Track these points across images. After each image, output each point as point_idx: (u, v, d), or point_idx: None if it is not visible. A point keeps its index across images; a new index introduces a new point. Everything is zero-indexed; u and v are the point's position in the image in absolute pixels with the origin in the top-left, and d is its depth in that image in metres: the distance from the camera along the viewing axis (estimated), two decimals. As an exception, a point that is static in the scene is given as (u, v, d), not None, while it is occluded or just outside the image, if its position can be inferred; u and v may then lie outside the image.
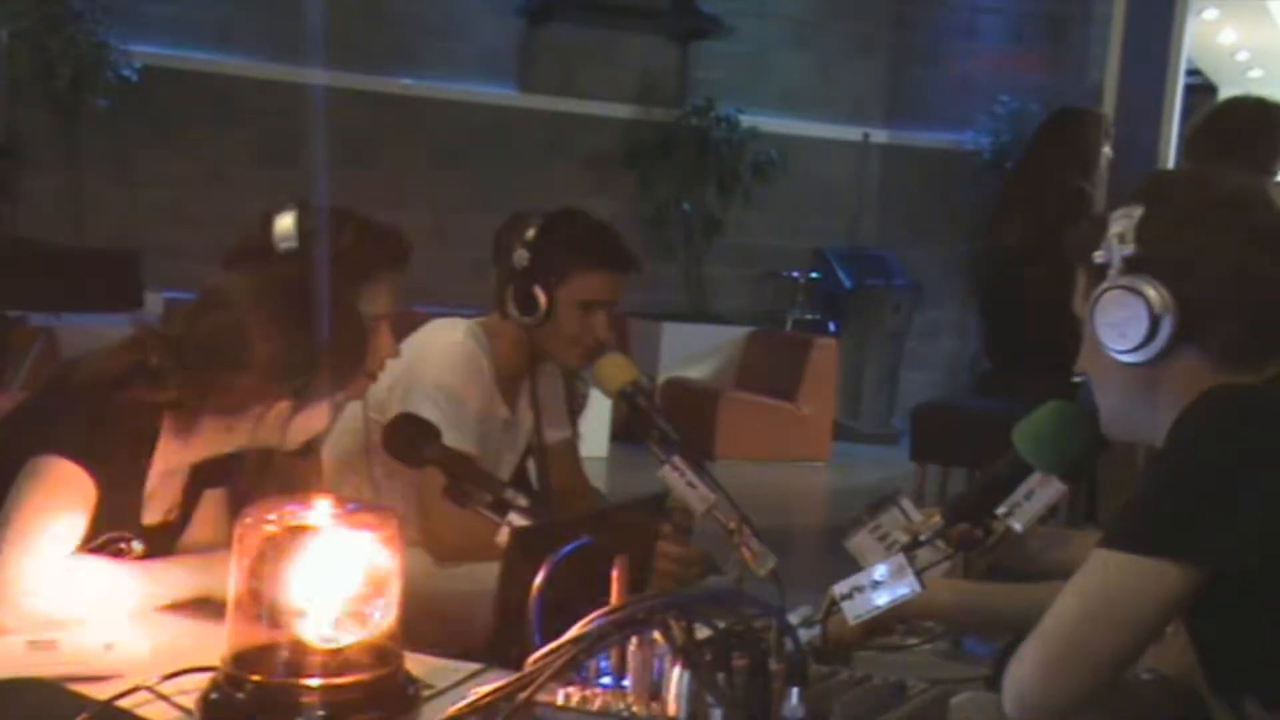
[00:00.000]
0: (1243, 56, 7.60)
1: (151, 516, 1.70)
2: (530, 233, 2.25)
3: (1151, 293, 1.26)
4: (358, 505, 1.26)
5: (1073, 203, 4.01)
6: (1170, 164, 5.07)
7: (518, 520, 1.68)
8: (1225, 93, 7.36)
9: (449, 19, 7.71)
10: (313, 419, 1.68)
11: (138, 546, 1.66)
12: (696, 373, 7.74)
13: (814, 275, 8.30)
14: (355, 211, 2.00)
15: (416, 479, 2.10)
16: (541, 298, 2.24)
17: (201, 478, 1.76)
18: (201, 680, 1.23)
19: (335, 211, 1.96)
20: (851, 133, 8.52)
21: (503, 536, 1.66)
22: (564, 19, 7.87)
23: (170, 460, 1.67)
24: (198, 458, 1.70)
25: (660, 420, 2.14)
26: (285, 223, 1.86)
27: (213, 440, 1.66)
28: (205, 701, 1.20)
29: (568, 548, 1.41)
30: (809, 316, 8.19)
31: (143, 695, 1.26)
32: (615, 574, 1.24)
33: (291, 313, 1.62)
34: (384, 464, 2.08)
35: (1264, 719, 1.25)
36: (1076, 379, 1.41)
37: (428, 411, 2.04)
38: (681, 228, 8.11)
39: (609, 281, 2.29)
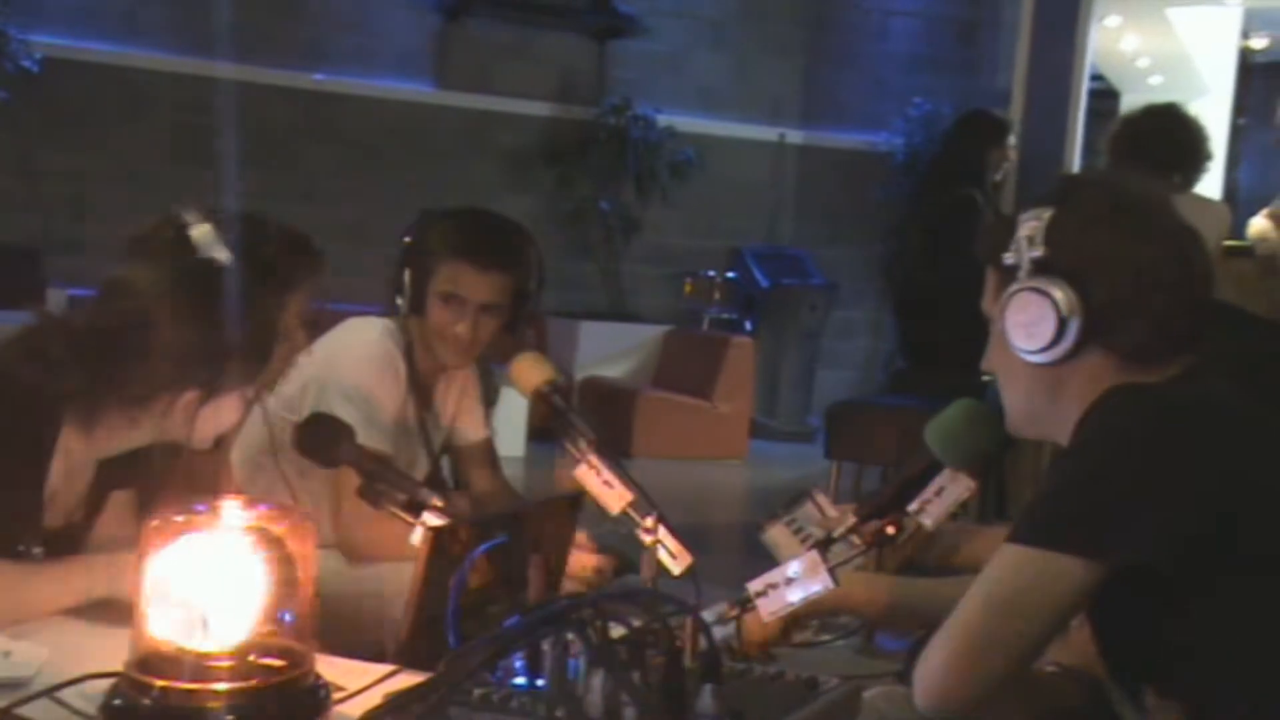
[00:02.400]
0: (1143, 63, 7.80)
1: (54, 519, 1.65)
2: (408, 232, 2.25)
3: (1059, 295, 1.29)
4: (268, 506, 1.24)
5: (961, 208, 4.10)
6: (1075, 166, 5.19)
7: (432, 520, 1.66)
8: (1128, 98, 7.55)
9: (364, 14, 7.62)
10: (221, 413, 1.65)
11: (37, 551, 1.61)
12: (614, 371, 7.75)
13: (731, 275, 8.35)
14: (270, 218, 1.96)
15: (328, 479, 2.08)
16: (407, 288, 2.22)
17: (107, 479, 1.71)
18: (104, 686, 1.20)
19: (253, 219, 1.92)
20: (768, 133, 8.59)
21: (417, 537, 1.65)
22: (481, 16, 7.83)
23: (73, 457, 1.62)
24: (102, 453, 1.65)
25: (577, 419, 2.13)
26: (204, 231, 1.82)
27: (117, 434, 1.62)
28: (108, 708, 1.17)
29: (482, 547, 1.41)
30: (726, 316, 8.24)
31: (43, 702, 1.23)
32: (531, 574, 1.24)
33: (200, 302, 1.58)
34: (294, 464, 2.05)
35: (1161, 708, 1.29)
36: (985, 378, 1.44)
37: (341, 410, 2.02)
38: (599, 226, 8.12)
39: (468, 275, 2.22)
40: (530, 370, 2.21)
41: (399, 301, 2.26)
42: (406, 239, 2.27)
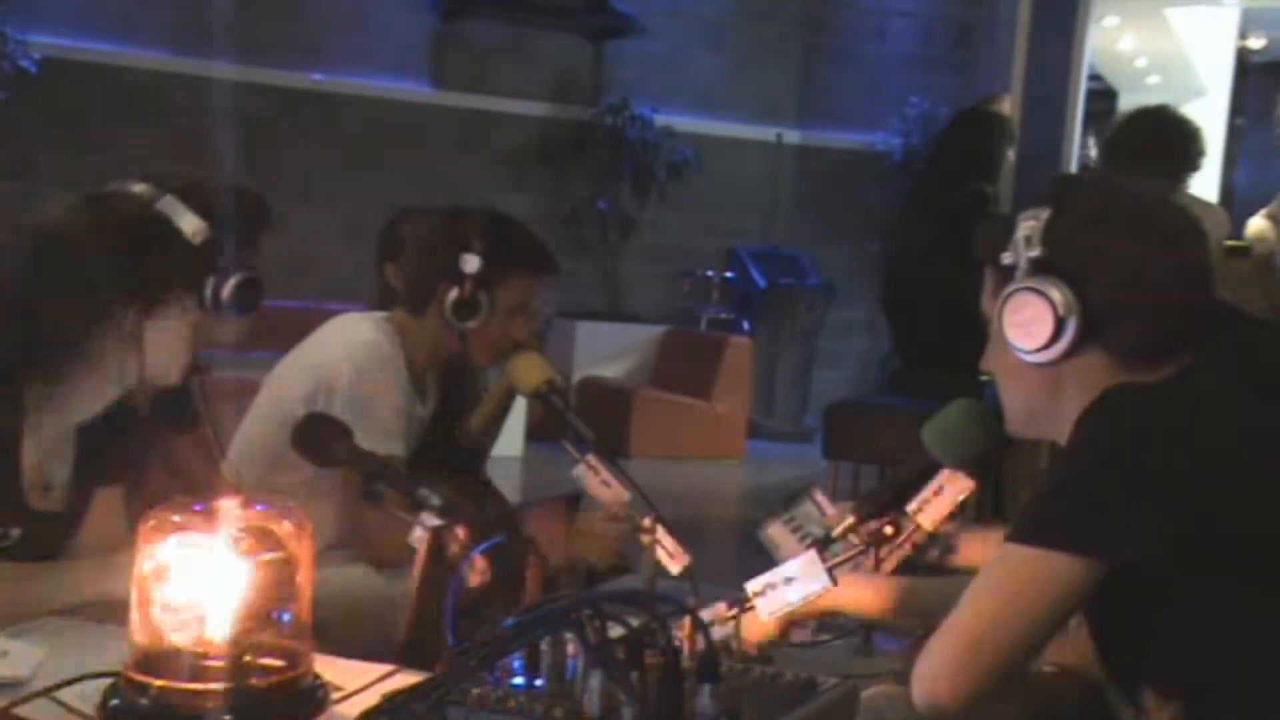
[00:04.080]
0: (1141, 63, 7.82)
1: (40, 501, 1.64)
2: (475, 240, 2.23)
3: (1057, 295, 1.29)
4: (265, 505, 1.24)
5: (973, 205, 4.09)
6: (1073, 166, 5.20)
7: (430, 520, 1.66)
8: (1125, 97, 7.57)
9: (361, 14, 7.61)
10: (168, 338, 1.63)
11: (16, 533, 1.60)
12: (611, 371, 7.75)
13: (728, 275, 8.35)
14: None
15: (328, 482, 2.07)
16: (485, 302, 2.23)
17: (91, 470, 1.70)
18: (103, 686, 1.20)
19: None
20: (765, 133, 8.59)
21: (415, 537, 1.64)
22: (478, 15, 7.83)
23: (44, 428, 1.62)
24: (79, 417, 1.65)
25: (575, 419, 2.13)
26: (193, 222, 1.82)
27: (84, 392, 1.62)
28: (106, 707, 1.17)
29: (481, 547, 1.41)
30: (723, 315, 8.25)
31: (41, 702, 1.23)
32: (529, 573, 1.24)
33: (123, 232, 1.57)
34: (294, 467, 2.04)
35: (1159, 708, 1.29)
36: (983, 378, 1.44)
37: (338, 410, 2.01)
38: (597, 226, 8.11)
39: (538, 285, 2.32)
40: (529, 370, 2.22)
41: (446, 312, 2.23)
42: (473, 258, 2.22)
